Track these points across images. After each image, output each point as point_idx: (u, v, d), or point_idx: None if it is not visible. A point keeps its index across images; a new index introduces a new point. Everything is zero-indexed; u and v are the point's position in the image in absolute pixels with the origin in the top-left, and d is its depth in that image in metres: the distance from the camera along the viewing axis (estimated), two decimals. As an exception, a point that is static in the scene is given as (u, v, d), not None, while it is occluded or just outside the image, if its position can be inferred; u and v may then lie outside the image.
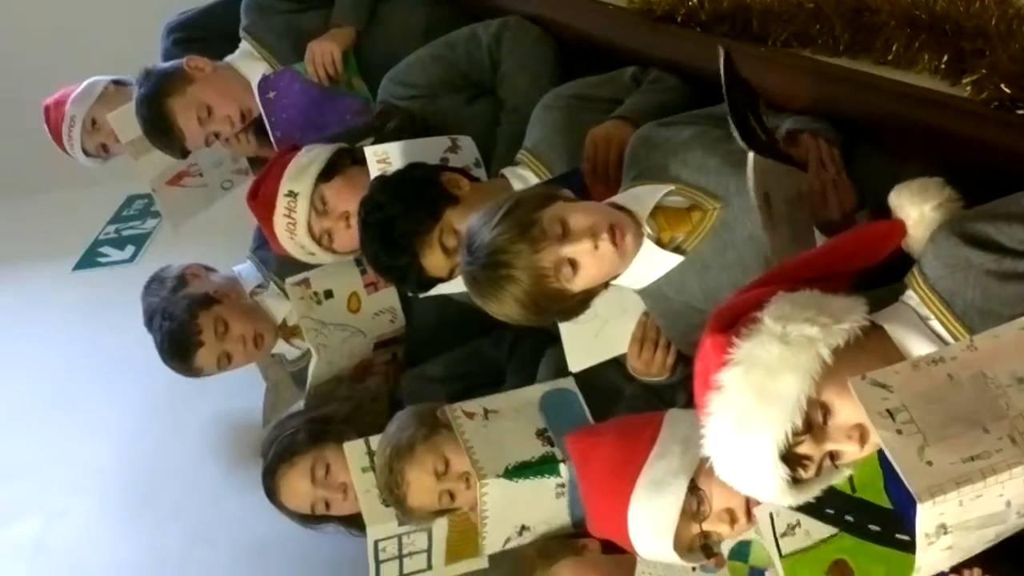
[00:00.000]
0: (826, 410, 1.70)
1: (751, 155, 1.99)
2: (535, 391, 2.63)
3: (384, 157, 2.72)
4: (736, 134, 1.99)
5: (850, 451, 1.71)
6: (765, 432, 1.69)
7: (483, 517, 2.44)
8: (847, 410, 1.69)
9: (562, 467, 2.44)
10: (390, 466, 2.52)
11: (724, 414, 1.73)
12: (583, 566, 2.36)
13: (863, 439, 1.69)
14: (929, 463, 1.51)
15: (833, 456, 1.73)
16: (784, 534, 1.93)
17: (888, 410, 1.54)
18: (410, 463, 2.50)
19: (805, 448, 1.71)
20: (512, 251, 2.09)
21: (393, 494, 2.52)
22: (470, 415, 2.52)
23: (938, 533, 1.55)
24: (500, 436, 2.50)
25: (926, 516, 1.51)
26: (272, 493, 2.90)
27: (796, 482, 1.76)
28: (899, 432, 1.53)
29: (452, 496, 2.52)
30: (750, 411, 1.70)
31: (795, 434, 1.69)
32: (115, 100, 3.59)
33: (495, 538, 2.50)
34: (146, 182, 3.55)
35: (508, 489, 2.43)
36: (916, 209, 1.90)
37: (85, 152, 3.70)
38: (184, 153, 3.37)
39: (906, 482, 1.51)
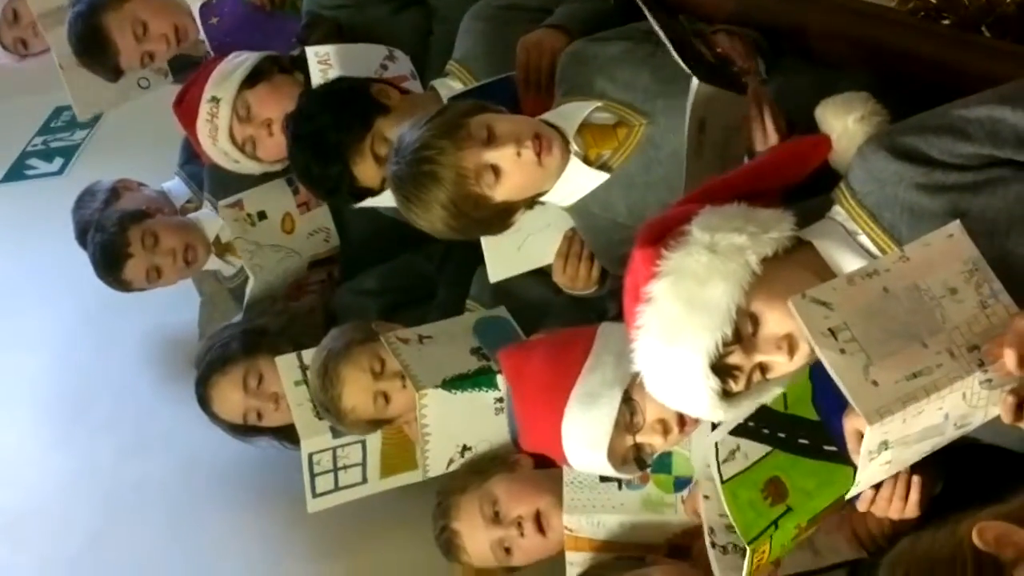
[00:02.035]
0: (755, 320, 1.71)
1: (695, 82, 1.99)
2: (468, 319, 2.64)
3: (325, 58, 2.69)
4: (679, 61, 1.98)
5: (780, 362, 1.72)
6: (695, 341, 1.69)
7: (424, 434, 2.45)
8: (776, 320, 1.69)
9: (499, 379, 2.44)
10: (325, 367, 2.52)
11: (653, 326, 1.73)
12: (515, 481, 2.37)
13: (792, 349, 1.70)
14: (874, 383, 1.53)
15: (763, 368, 1.74)
16: (726, 460, 1.94)
17: (830, 329, 1.55)
18: (346, 362, 2.51)
19: (735, 358, 1.71)
20: (436, 147, 2.09)
21: (327, 394, 2.52)
22: (404, 340, 2.52)
23: (880, 449, 1.58)
24: (435, 355, 2.50)
25: (872, 436, 1.54)
26: (204, 401, 2.90)
27: (727, 396, 1.76)
28: (842, 352, 1.54)
29: (387, 399, 2.51)
30: (679, 321, 1.70)
31: (725, 344, 1.69)
32: None
33: (438, 459, 2.51)
34: (55, 56, 3.44)
35: (447, 401, 2.43)
36: (840, 122, 1.90)
37: (2, 45, 3.60)
38: (117, 73, 3.31)
39: (854, 404, 1.53)
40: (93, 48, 3.21)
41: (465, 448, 2.52)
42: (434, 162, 2.09)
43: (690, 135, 2.04)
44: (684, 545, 2.25)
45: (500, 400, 2.46)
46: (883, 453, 1.59)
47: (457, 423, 2.48)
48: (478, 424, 2.50)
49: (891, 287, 1.59)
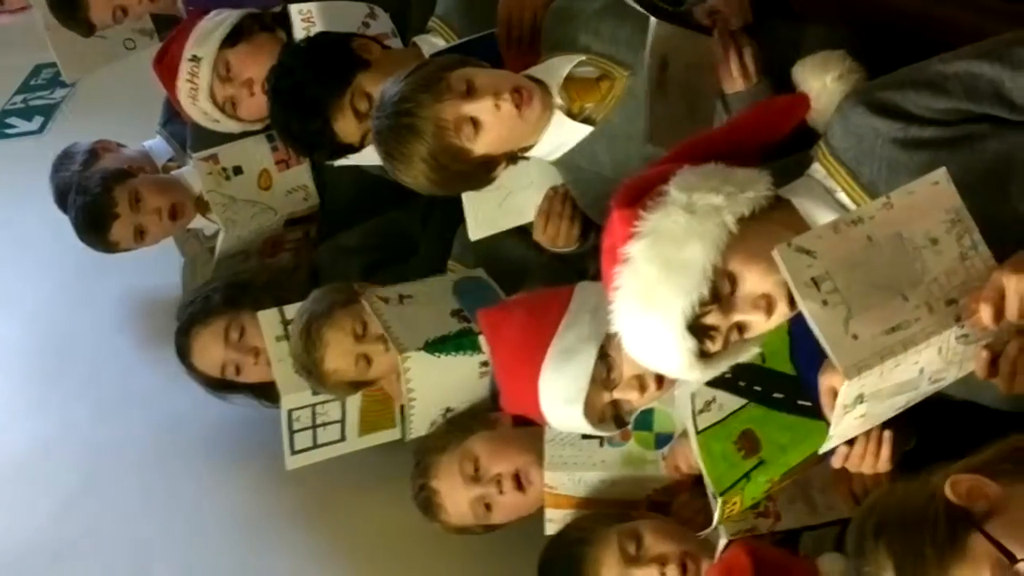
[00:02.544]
0: (732, 280, 1.70)
1: (652, 20, 2.01)
2: (447, 279, 2.65)
3: (308, 15, 2.68)
4: (633, 3, 2.00)
5: (757, 321, 1.71)
6: (671, 302, 1.69)
7: (410, 397, 2.45)
8: (753, 280, 1.69)
9: (482, 341, 2.44)
10: (307, 329, 2.52)
11: (631, 286, 1.72)
12: (495, 439, 2.38)
13: (770, 308, 1.70)
14: (855, 336, 1.53)
15: (740, 328, 1.74)
16: (701, 411, 1.95)
17: (813, 279, 1.54)
18: (328, 324, 2.51)
19: (712, 319, 1.71)
20: (415, 100, 2.10)
21: (310, 356, 2.52)
22: (385, 299, 2.52)
23: (855, 403, 1.58)
24: (416, 316, 2.50)
25: (849, 390, 1.54)
26: (183, 353, 2.89)
27: (704, 356, 1.76)
28: (824, 303, 1.54)
29: (369, 361, 2.52)
30: (657, 281, 1.69)
31: (702, 304, 1.69)
32: None
33: (421, 421, 2.51)
34: (40, 17, 3.41)
35: (431, 364, 2.43)
36: (818, 80, 1.92)
37: None
38: (90, 28, 3.28)
39: (833, 359, 1.53)
40: (63, 2, 3.18)
41: (448, 411, 2.53)
42: (413, 115, 2.09)
43: (651, 73, 2.04)
44: (663, 502, 2.27)
45: (485, 364, 2.46)
46: (858, 407, 1.59)
47: (441, 386, 2.48)
48: (462, 387, 2.51)
49: (875, 236, 1.58)
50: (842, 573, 1.95)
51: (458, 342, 2.46)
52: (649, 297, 1.71)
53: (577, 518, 2.27)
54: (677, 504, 2.25)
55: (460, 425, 2.46)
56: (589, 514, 2.26)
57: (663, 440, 2.24)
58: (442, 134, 2.10)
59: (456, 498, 2.37)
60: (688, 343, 1.71)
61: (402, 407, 2.55)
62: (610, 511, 2.24)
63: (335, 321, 2.51)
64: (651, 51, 2.02)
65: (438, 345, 2.44)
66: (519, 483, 2.32)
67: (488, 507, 2.35)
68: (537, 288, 2.46)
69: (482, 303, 2.49)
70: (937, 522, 1.45)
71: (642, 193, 1.76)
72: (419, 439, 2.52)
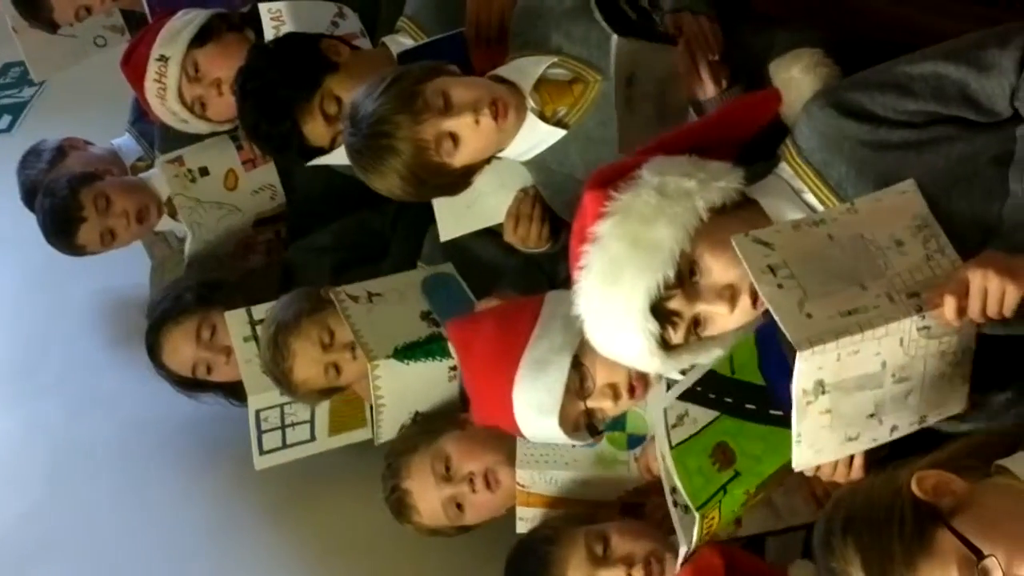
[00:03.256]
0: (699, 268, 1.71)
1: (614, 38, 2.02)
2: (416, 274, 2.64)
3: (277, 14, 2.66)
4: (599, 18, 2.01)
5: (720, 313, 1.71)
6: (636, 280, 1.69)
7: (379, 404, 2.45)
8: (719, 269, 1.70)
9: (451, 346, 2.43)
10: (275, 340, 2.50)
11: (596, 265, 1.73)
12: (466, 439, 2.38)
13: (733, 300, 1.70)
14: (808, 315, 1.54)
15: (703, 322, 1.73)
16: (675, 426, 1.94)
17: (769, 266, 1.56)
18: (296, 335, 2.49)
19: (675, 304, 1.71)
20: (393, 121, 2.08)
21: (279, 367, 2.50)
22: (354, 298, 2.52)
23: (816, 391, 1.58)
24: (385, 319, 2.50)
25: (805, 368, 1.54)
26: (154, 351, 2.88)
27: (665, 346, 1.75)
28: (780, 286, 1.55)
29: (338, 370, 2.51)
30: (623, 260, 1.70)
31: (667, 287, 1.69)
32: None
33: (390, 425, 2.52)
34: (7, 19, 3.39)
35: (400, 371, 2.43)
36: (785, 73, 1.92)
37: None
38: (53, 26, 3.26)
39: (785, 332, 1.54)
40: (27, 1, 3.17)
41: (417, 414, 2.53)
42: (392, 136, 2.09)
43: (617, 90, 2.05)
44: (636, 503, 2.27)
45: (454, 368, 2.46)
46: (820, 398, 1.59)
47: (411, 391, 2.48)
48: (432, 392, 2.51)
49: (836, 235, 1.60)
50: None
51: (428, 348, 2.46)
52: (614, 275, 1.71)
53: (545, 518, 2.27)
54: (651, 506, 2.25)
55: (430, 426, 2.46)
56: (557, 514, 2.26)
57: (635, 441, 2.25)
58: (422, 153, 2.10)
59: (428, 498, 2.37)
60: (650, 325, 1.71)
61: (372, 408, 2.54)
62: (579, 511, 2.25)
63: (302, 331, 2.49)
64: (616, 69, 2.04)
65: (408, 352, 2.44)
66: (489, 482, 2.32)
67: (460, 507, 2.35)
68: (507, 290, 2.48)
69: (451, 303, 2.50)
70: (904, 518, 1.46)
71: (614, 178, 1.77)
72: (393, 442, 2.51)
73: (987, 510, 1.47)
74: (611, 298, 1.72)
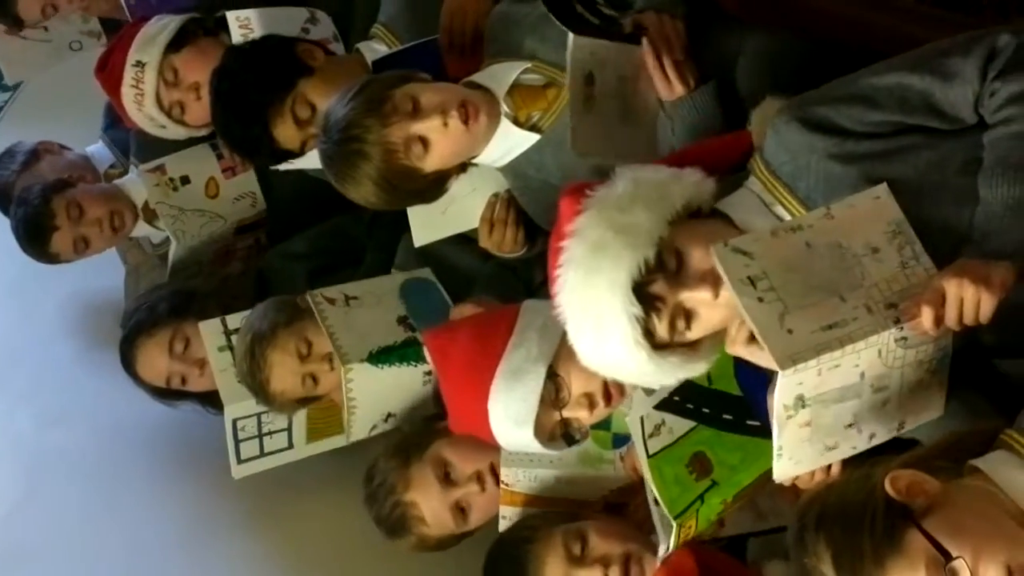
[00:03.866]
0: (679, 256, 1.71)
1: (570, 37, 2.03)
2: (394, 279, 2.64)
3: (245, 22, 2.67)
4: (553, 18, 2.01)
5: (703, 299, 1.70)
6: (618, 260, 1.68)
7: (350, 406, 2.44)
8: (699, 256, 1.70)
9: (426, 351, 2.43)
10: (251, 351, 2.49)
11: (578, 253, 1.72)
12: (458, 442, 2.33)
13: (716, 284, 1.68)
14: (789, 331, 1.54)
15: (685, 316, 1.73)
16: (651, 435, 1.96)
17: (749, 277, 1.56)
18: (272, 346, 2.48)
19: (658, 288, 1.70)
20: (362, 125, 2.10)
21: (255, 379, 2.49)
22: (331, 300, 2.51)
23: (796, 405, 1.59)
24: (362, 322, 2.49)
25: (786, 385, 1.55)
26: (128, 363, 2.87)
27: (649, 338, 1.73)
28: (760, 300, 1.55)
29: (315, 380, 2.50)
30: (603, 243, 1.70)
31: (648, 269, 1.69)
32: None
33: (361, 426, 2.51)
34: None
35: (374, 376, 2.43)
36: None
37: None
38: (18, 22, 3.27)
39: (767, 349, 1.54)
40: None
41: (389, 415, 2.53)
42: (361, 140, 2.10)
43: (574, 89, 2.06)
44: (620, 503, 2.26)
45: (429, 373, 2.46)
46: (801, 412, 1.60)
47: (383, 395, 2.48)
48: (405, 395, 2.51)
49: (813, 242, 1.61)
50: None
51: (403, 353, 2.46)
52: (596, 258, 1.70)
53: (525, 517, 2.26)
54: (633, 505, 2.25)
55: (414, 440, 2.40)
56: (537, 513, 2.25)
57: (620, 440, 2.24)
58: (391, 157, 2.10)
59: (433, 506, 2.32)
60: (634, 308, 1.69)
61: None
62: (560, 510, 2.24)
63: (279, 343, 2.48)
64: (572, 67, 2.05)
65: (382, 356, 2.44)
66: (497, 478, 2.29)
67: (463, 512, 2.32)
68: (483, 296, 2.47)
69: (429, 309, 2.50)
70: (875, 517, 1.47)
71: (588, 185, 1.78)
72: (374, 463, 2.47)
73: (957, 511, 1.48)
74: (594, 282, 1.71)
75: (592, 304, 1.73)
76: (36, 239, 3.09)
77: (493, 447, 2.27)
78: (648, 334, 1.73)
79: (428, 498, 2.32)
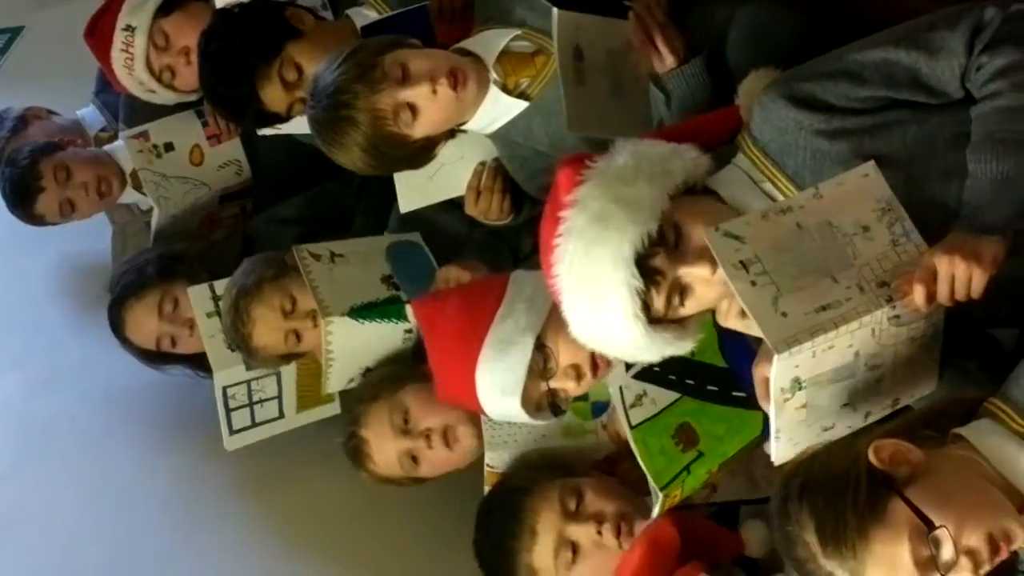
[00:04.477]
0: (679, 232, 1.70)
1: (554, 12, 2.03)
2: (382, 240, 2.63)
3: None
4: None
5: (701, 275, 1.69)
6: (622, 232, 1.67)
7: (328, 358, 2.45)
8: (699, 233, 1.68)
9: (408, 310, 2.45)
10: (236, 305, 2.50)
11: (579, 223, 1.70)
12: (427, 393, 2.33)
13: (714, 261, 1.66)
14: (784, 314, 1.55)
15: (682, 291, 1.72)
16: (633, 405, 1.97)
17: (742, 262, 1.57)
18: (257, 301, 2.49)
19: (658, 261, 1.69)
20: (351, 91, 2.09)
21: (238, 332, 2.50)
22: (316, 256, 2.52)
23: (793, 388, 1.59)
24: (346, 279, 2.50)
25: (782, 368, 1.55)
26: (117, 326, 2.86)
27: (647, 311, 1.72)
28: (753, 284, 1.56)
29: (298, 337, 2.51)
30: (606, 213, 1.68)
31: (651, 243, 1.67)
32: None
33: (339, 379, 2.52)
34: None
35: (353, 330, 2.43)
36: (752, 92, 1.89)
37: None
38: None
39: (762, 334, 1.54)
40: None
41: (368, 370, 2.53)
42: (350, 106, 2.09)
43: (563, 64, 2.06)
44: (607, 472, 2.24)
45: (410, 331, 2.47)
46: (797, 394, 1.60)
47: (362, 350, 2.49)
48: (384, 352, 2.51)
49: (804, 223, 1.61)
50: (763, 540, 1.98)
51: (384, 309, 2.46)
52: (599, 228, 1.68)
53: (523, 468, 2.26)
54: (623, 469, 2.24)
55: (393, 376, 2.44)
56: (535, 464, 2.25)
57: (599, 409, 2.24)
58: (380, 123, 2.10)
59: (384, 449, 2.37)
60: (636, 281, 1.68)
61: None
62: (556, 466, 2.22)
63: (264, 298, 2.49)
64: (559, 42, 2.05)
65: (363, 312, 2.44)
66: (447, 439, 2.32)
67: (415, 460, 2.36)
68: (470, 260, 2.47)
69: (414, 271, 2.50)
70: (859, 486, 1.48)
71: (586, 156, 1.77)
72: (358, 385, 2.52)
73: (941, 480, 1.49)
74: (596, 253, 1.69)
75: (592, 275, 1.72)
76: (22, 200, 3.08)
77: (459, 408, 2.28)
78: (645, 307, 1.72)
79: (380, 440, 2.37)
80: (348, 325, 2.42)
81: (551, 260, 1.75)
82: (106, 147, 3.27)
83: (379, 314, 2.45)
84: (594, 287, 1.72)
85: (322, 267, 2.49)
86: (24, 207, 3.09)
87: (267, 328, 2.49)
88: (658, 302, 1.72)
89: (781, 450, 1.68)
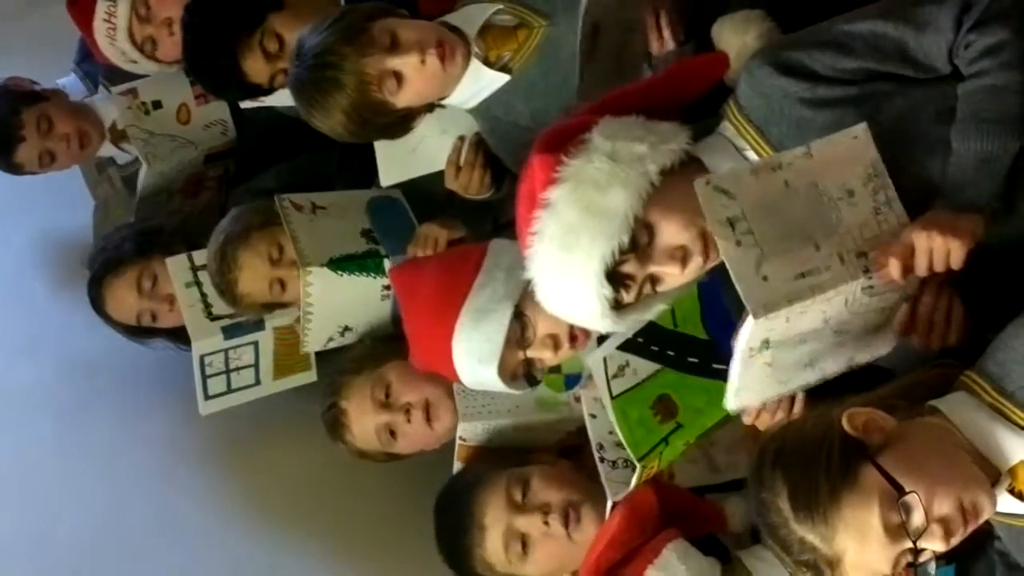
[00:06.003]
0: (651, 231, 1.73)
1: None
2: (363, 194, 2.64)
3: None
4: None
5: (671, 273, 1.74)
6: (592, 248, 1.70)
7: (307, 311, 2.46)
8: (671, 231, 1.72)
9: (387, 264, 2.45)
10: (223, 251, 2.51)
11: (550, 231, 1.73)
12: (409, 368, 2.34)
13: (685, 260, 1.72)
14: (765, 278, 1.56)
15: (654, 281, 1.76)
16: (615, 376, 1.97)
17: (728, 219, 1.57)
18: (244, 247, 2.50)
19: (629, 267, 1.73)
20: (339, 53, 2.09)
21: (224, 278, 2.51)
22: (298, 207, 2.52)
23: (761, 348, 1.61)
24: (325, 230, 2.51)
25: (756, 330, 1.57)
26: (97, 303, 2.87)
27: (617, 307, 1.77)
28: (738, 244, 1.57)
29: (283, 286, 2.51)
30: (577, 227, 1.71)
31: (621, 252, 1.71)
32: None
33: (317, 336, 2.53)
34: None
35: (332, 282, 2.44)
36: (738, 39, 1.92)
37: None
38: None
39: (743, 296, 1.55)
40: None
41: (346, 328, 2.54)
42: (337, 68, 2.09)
43: (583, 40, 2.06)
44: (576, 445, 2.27)
45: (387, 287, 2.47)
46: (764, 352, 1.62)
47: (341, 304, 2.49)
48: (362, 307, 2.52)
49: (792, 183, 1.61)
50: (745, 515, 2.01)
51: (363, 263, 2.47)
52: (569, 242, 1.72)
53: (475, 461, 2.29)
54: (588, 449, 2.27)
55: (377, 349, 2.46)
56: (488, 457, 2.27)
57: (572, 381, 2.26)
58: (365, 88, 2.10)
59: (363, 421, 2.39)
60: (605, 290, 1.73)
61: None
62: (509, 455, 2.24)
63: (251, 244, 2.50)
64: (585, 17, 2.04)
65: (342, 263, 2.45)
66: (428, 415, 2.34)
67: (393, 434, 2.37)
68: (453, 220, 2.47)
69: (394, 225, 2.52)
70: (832, 452, 1.50)
71: (563, 140, 1.77)
72: (336, 359, 2.52)
73: (913, 448, 1.51)
74: (566, 264, 1.73)
75: (563, 281, 1.76)
76: (2, 148, 3.04)
77: (440, 383, 2.30)
78: (616, 304, 1.76)
79: (360, 413, 2.40)
80: (326, 276, 2.43)
81: (525, 251, 1.79)
82: (86, 99, 3.24)
83: (358, 267, 2.46)
84: (565, 291, 1.77)
85: (303, 217, 2.50)
86: (3, 155, 3.05)
87: (253, 275, 2.50)
88: (629, 298, 1.77)
89: (737, 400, 1.70)
